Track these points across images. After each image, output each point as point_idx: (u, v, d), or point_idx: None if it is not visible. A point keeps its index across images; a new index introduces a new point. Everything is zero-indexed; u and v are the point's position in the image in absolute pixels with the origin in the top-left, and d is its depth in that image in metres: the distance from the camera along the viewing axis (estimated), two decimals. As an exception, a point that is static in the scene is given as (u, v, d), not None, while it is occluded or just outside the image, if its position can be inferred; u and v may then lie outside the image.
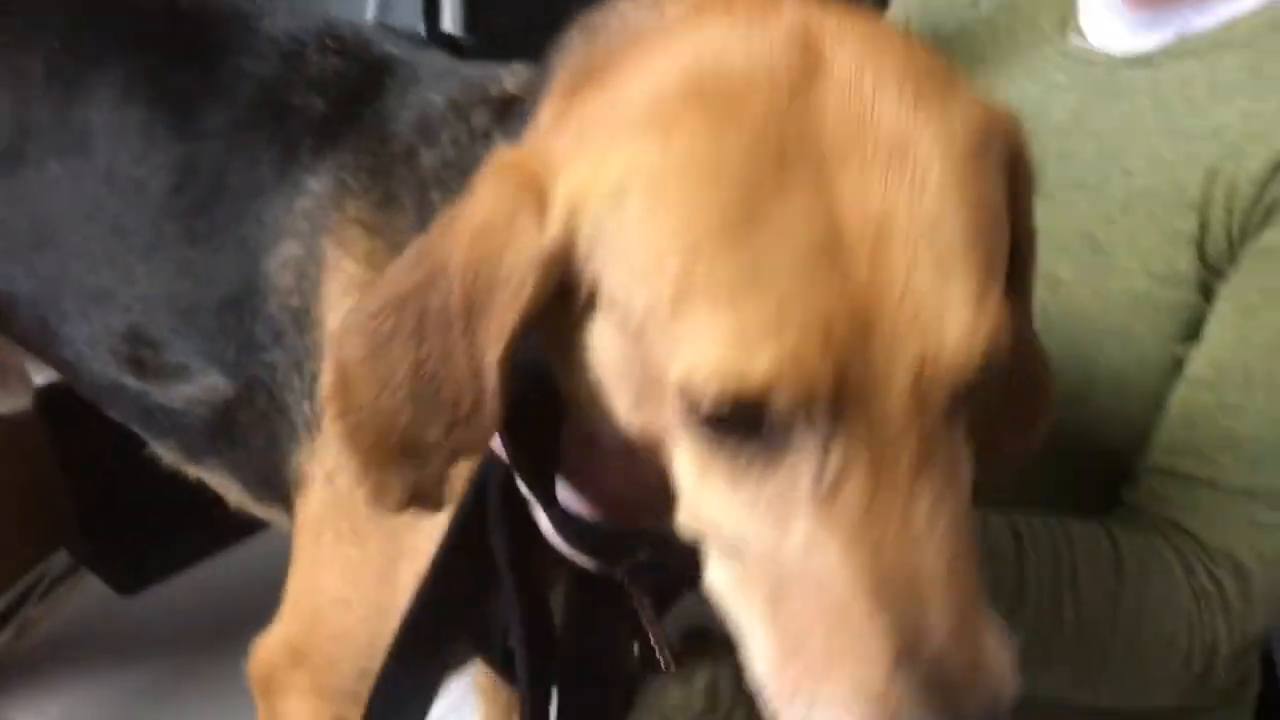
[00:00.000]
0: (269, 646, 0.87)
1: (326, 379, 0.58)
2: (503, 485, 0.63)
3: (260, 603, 1.02)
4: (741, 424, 0.49)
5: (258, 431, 0.84)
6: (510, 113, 0.75)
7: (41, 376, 1.24)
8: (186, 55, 0.84)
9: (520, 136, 0.66)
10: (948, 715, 0.46)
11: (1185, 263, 0.82)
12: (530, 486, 0.61)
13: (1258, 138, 0.80)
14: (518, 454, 0.61)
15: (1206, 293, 0.82)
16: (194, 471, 0.96)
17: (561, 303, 0.53)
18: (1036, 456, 0.66)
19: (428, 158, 0.77)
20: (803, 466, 0.49)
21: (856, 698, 0.47)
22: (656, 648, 0.65)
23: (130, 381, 0.88)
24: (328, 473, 0.80)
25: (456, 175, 0.75)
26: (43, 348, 0.93)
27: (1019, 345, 0.53)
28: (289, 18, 0.86)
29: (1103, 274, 0.86)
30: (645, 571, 0.61)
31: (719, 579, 0.53)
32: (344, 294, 0.77)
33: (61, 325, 0.88)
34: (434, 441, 0.56)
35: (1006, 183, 0.55)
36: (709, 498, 0.52)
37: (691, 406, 0.49)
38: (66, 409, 1.23)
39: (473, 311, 0.54)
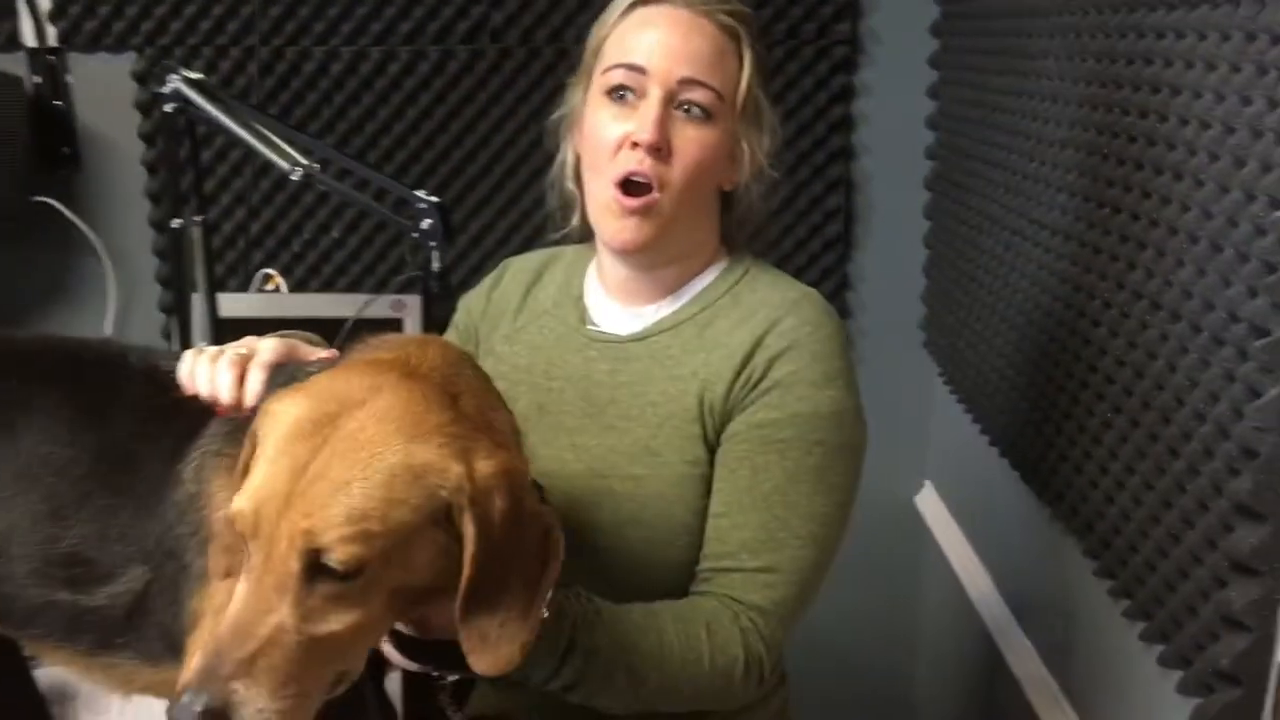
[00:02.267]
0: None
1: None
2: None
3: None
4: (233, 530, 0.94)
5: (166, 598, 1.13)
6: None
7: None
8: (92, 380, 1.22)
9: None
10: (199, 689, 0.84)
11: (699, 451, 1.33)
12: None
13: (716, 375, 1.33)
14: None
15: (712, 464, 1.32)
16: (97, 665, 1.21)
17: None
18: (647, 578, 1.29)
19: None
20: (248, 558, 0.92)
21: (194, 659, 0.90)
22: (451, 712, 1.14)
23: (64, 596, 1.16)
24: (215, 609, 1.06)
25: None
26: None
27: (484, 609, 0.96)
28: (139, 354, 1.29)
29: (660, 467, 1.33)
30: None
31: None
32: (220, 484, 1.11)
33: (7, 566, 1.16)
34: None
35: (426, 505, 0.93)
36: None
37: None
38: None
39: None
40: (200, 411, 1.17)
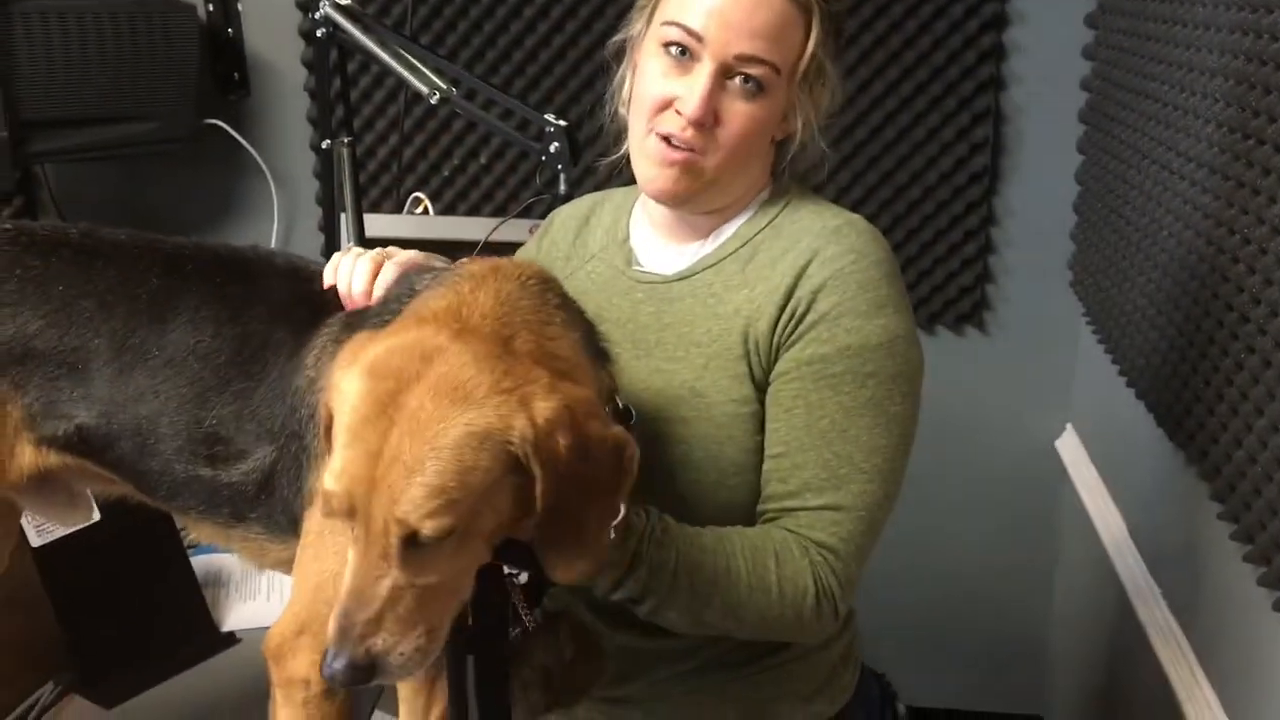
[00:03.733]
0: (280, 624, 1.21)
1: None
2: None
3: (218, 706, 1.68)
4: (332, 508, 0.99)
5: (289, 475, 1.22)
6: (404, 300, 1.21)
7: (38, 539, 1.67)
8: (237, 278, 1.30)
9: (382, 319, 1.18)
10: (339, 651, 0.95)
11: (747, 389, 1.30)
12: None
13: (759, 311, 1.30)
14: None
15: (762, 402, 1.30)
16: (236, 536, 1.30)
17: None
18: (711, 514, 1.29)
19: (381, 312, 1.21)
20: (352, 531, 0.99)
21: (330, 626, 0.96)
22: (526, 616, 1.15)
23: (205, 471, 1.26)
24: (318, 532, 1.17)
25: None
26: (133, 464, 1.29)
27: (559, 526, 1.01)
28: (281, 255, 1.38)
29: (707, 408, 1.32)
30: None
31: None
32: (334, 369, 1.12)
33: (156, 444, 1.26)
34: None
35: (502, 458, 0.97)
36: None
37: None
38: (63, 564, 1.70)
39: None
40: (330, 304, 1.26)
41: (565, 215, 1.57)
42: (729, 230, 1.38)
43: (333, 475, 0.97)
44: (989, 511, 2.78)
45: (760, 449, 1.30)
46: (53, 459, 1.29)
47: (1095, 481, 2.45)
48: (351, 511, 0.96)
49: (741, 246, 1.36)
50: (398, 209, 2.69)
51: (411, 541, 0.95)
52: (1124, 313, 2.12)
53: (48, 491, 1.37)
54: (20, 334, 1.25)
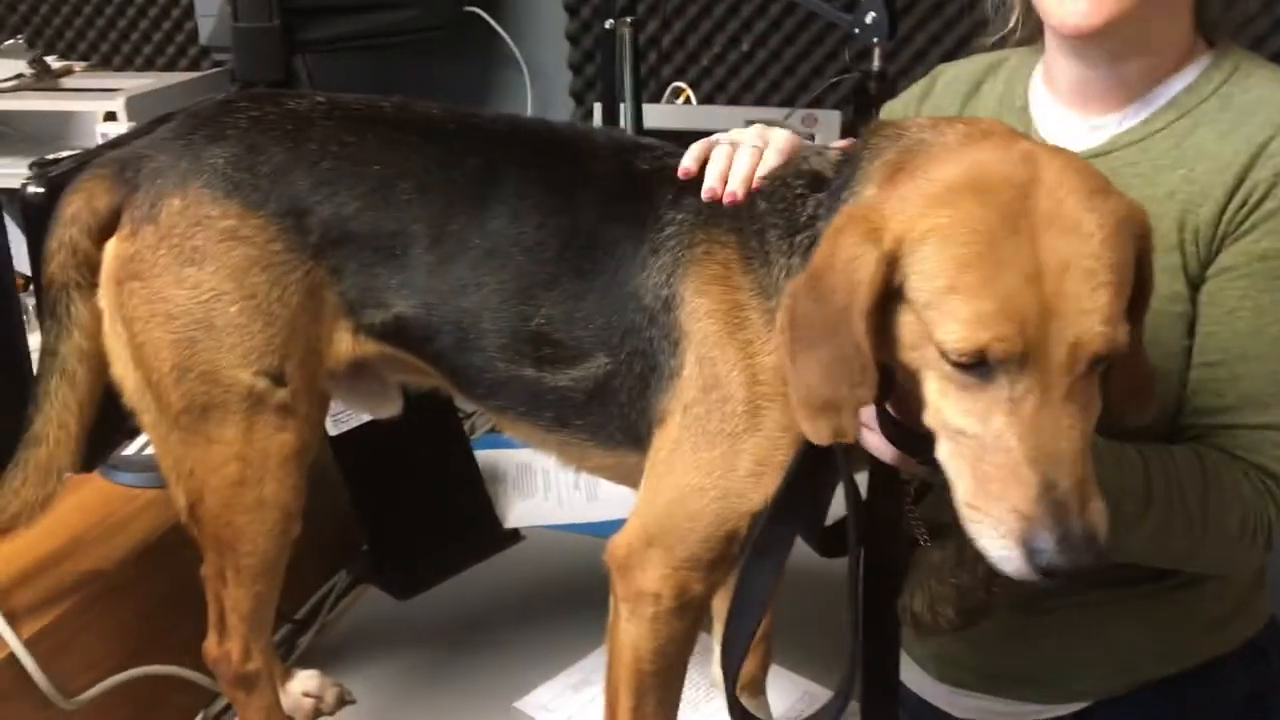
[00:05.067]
0: (626, 536, 1.14)
1: (782, 322, 0.96)
2: None
3: (506, 601, 1.66)
4: (969, 366, 0.85)
5: (631, 393, 1.14)
6: (819, 181, 1.08)
7: (335, 429, 1.63)
8: (558, 160, 1.20)
9: (832, 197, 1.05)
10: (1061, 530, 0.82)
11: (1179, 285, 1.15)
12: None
13: (1202, 193, 1.13)
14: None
15: (1194, 301, 1.15)
16: (554, 440, 1.23)
17: (886, 300, 0.90)
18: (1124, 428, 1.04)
19: (761, 206, 1.10)
20: (1001, 392, 0.85)
21: (1013, 514, 0.84)
22: (918, 529, 1.08)
23: (529, 372, 1.18)
24: (685, 405, 1.09)
25: (780, 218, 1.08)
26: (452, 358, 1.22)
27: (1134, 348, 0.94)
28: (602, 133, 1.33)
29: None
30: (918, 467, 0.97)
31: (943, 451, 0.90)
32: (696, 285, 1.09)
33: (478, 340, 1.19)
34: (843, 398, 0.92)
35: (1135, 250, 0.91)
36: (945, 404, 0.88)
37: (944, 355, 0.86)
38: (357, 455, 1.66)
39: (850, 312, 0.89)
40: (664, 197, 1.14)
41: (951, 76, 1.39)
42: (1161, 98, 1.19)
43: (984, 321, 0.83)
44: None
45: (1188, 355, 1.14)
46: (370, 348, 1.24)
47: None
48: (1014, 356, 0.83)
49: (1178, 119, 1.17)
50: (656, 98, 2.58)
51: (1088, 370, 0.85)
52: None
53: (359, 381, 1.33)
54: (337, 215, 1.19)
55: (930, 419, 0.90)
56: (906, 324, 0.90)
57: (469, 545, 1.74)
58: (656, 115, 2.38)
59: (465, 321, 1.19)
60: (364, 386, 1.35)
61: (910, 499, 1.07)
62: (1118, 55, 1.17)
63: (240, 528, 1.24)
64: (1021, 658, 1.26)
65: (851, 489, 1.03)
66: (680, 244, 1.11)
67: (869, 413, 0.97)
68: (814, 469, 1.02)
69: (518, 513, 1.85)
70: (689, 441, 1.09)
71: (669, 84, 2.56)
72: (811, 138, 2.13)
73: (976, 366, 0.85)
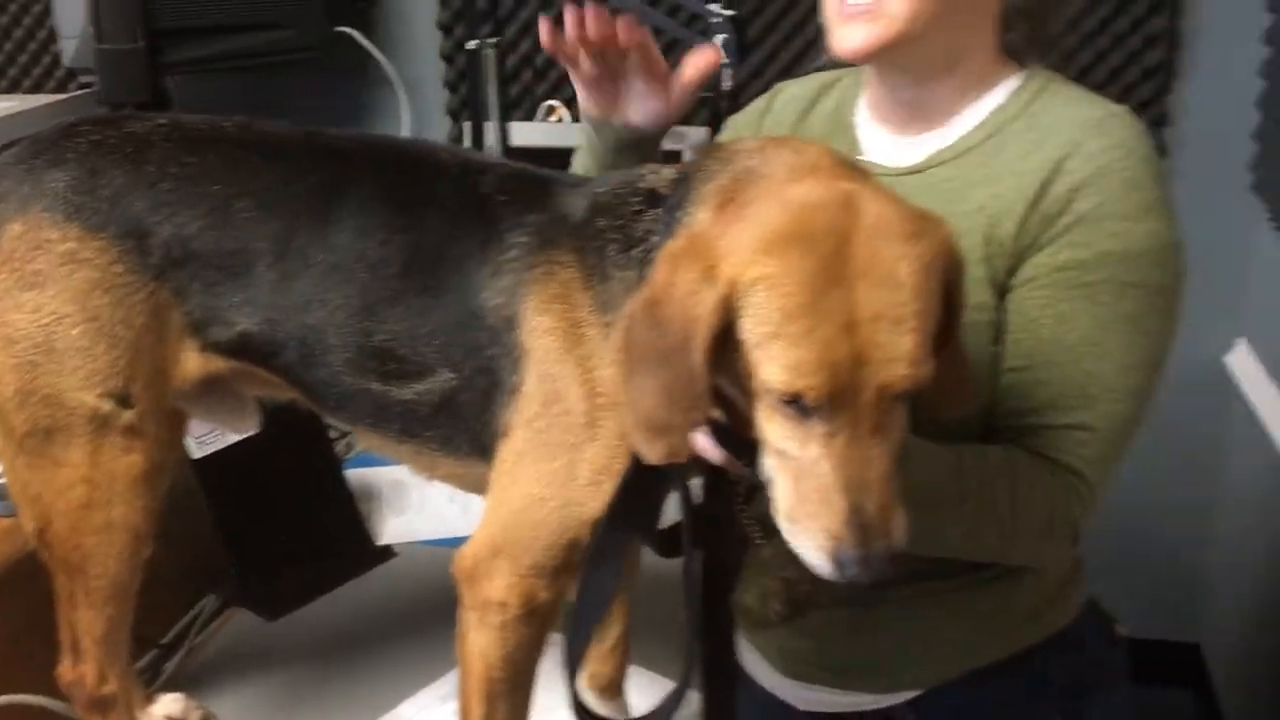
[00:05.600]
0: (473, 546, 1.16)
1: (617, 344, 0.99)
2: None
3: (377, 617, 1.68)
4: (789, 403, 0.91)
5: (475, 405, 1.16)
6: (655, 198, 1.11)
7: (199, 451, 1.66)
8: (405, 178, 1.22)
9: (668, 214, 1.08)
10: (863, 552, 0.89)
11: (986, 296, 1.19)
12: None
13: (1005, 209, 1.18)
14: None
15: (1000, 310, 1.20)
16: (405, 449, 1.25)
17: (723, 335, 0.93)
18: (939, 428, 1.11)
19: (600, 223, 1.12)
20: (816, 427, 0.91)
21: (824, 533, 0.91)
22: (751, 527, 1.13)
23: (375, 386, 1.20)
24: (527, 419, 1.12)
25: (618, 234, 1.11)
26: (300, 372, 1.23)
27: (953, 349, 1.01)
28: (453, 153, 1.27)
29: None
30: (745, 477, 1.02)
31: (769, 464, 0.96)
32: (537, 304, 1.12)
33: (324, 355, 1.20)
34: (678, 422, 0.96)
35: (945, 282, 0.95)
36: (770, 427, 0.94)
37: (768, 392, 0.92)
38: (222, 476, 1.69)
39: (688, 345, 0.93)
40: (507, 219, 1.16)
41: (790, 94, 1.44)
42: (971, 119, 1.24)
43: (801, 369, 0.89)
44: (1149, 432, 2.63)
45: (996, 360, 1.19)
46: (219, 364, 1.24)
47: (1275, 399, 2.29)
48: (827, 399, 0.89)
49: (987, 138, 1.22)
50: (529, 116, 2.61)
51: (890, 405, 0.91)
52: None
53: (214, 398, 1.33)
54: (178, 236, 1.19)
55: (758, 433, 0.95)
56: (739, 356, 0.94)
57: (338, 563, 1.75)
58: (529, 133, 2.41)
59: (310, 337, 1.20)
60: (220, 403, 1.35)
61: (742, 499, 1.11)
62: (920, 77, 1.23)
63: (89, 550, 1.23)
64: (858, 649, 1.30)
65: (684, 493, 1.07)
66: (522, 265, 1.13)
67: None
68: (648, 476, 1.05)
69: (392, 529, 1.86)
70: (531, 454, 1.11)
71: (542, 101, 2.60)
72: (677, 154, 2.19)
73: (796, 403, 0.90)
